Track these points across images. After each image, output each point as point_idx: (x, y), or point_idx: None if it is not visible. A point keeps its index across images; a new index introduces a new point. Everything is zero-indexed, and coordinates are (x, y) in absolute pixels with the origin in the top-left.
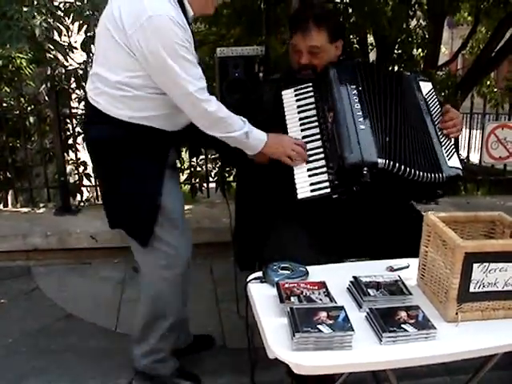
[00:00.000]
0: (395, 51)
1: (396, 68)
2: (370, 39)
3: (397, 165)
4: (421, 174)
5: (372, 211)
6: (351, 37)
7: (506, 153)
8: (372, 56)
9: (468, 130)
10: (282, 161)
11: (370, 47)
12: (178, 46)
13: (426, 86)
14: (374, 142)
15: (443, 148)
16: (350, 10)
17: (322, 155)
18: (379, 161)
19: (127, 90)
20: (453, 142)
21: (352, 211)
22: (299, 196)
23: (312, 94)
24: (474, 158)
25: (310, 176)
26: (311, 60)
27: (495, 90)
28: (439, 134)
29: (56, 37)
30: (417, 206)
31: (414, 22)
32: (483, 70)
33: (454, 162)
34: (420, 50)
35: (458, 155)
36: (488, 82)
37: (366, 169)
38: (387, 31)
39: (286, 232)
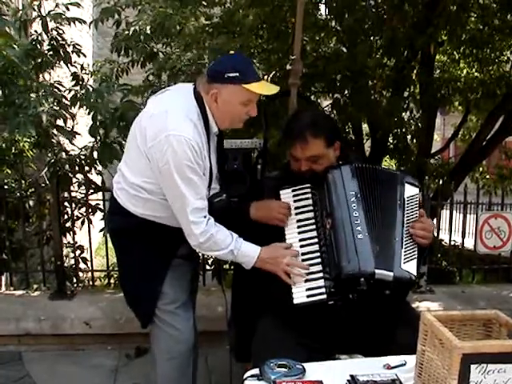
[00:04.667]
0: (390, 142)
1: (391, 158)
2: (365, 126)
3: (385, 271)
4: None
5: (363, 308)
6: (347, 127)
7: (500, 242)
8: (367, 145)
9: (462, 216)
10: (278, 276)
11: (366, 137)
12: (187, 168)
13: (411, 190)
14: (372, 252)
15: (403, 250)
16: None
17: (319, 260)
18: (377, 271)
19: (141, 191)
20: (416, 250)
21: (343, 310)
22: (295, 301)
23: (310, 195)
24: (469, 244)
25: (306, 281)
26: (311, 166)
27: (487, 176)
28: (405, 236)
29: (60, 123)
30: (411, 295)
31: (407, 114)
32: (475, 158)
33: (410, 267)
34: (414, 139)
35: (418, 264)
36: (480, 169)
37: (362, 279)
38: (382, 123)
39: (273, 330)
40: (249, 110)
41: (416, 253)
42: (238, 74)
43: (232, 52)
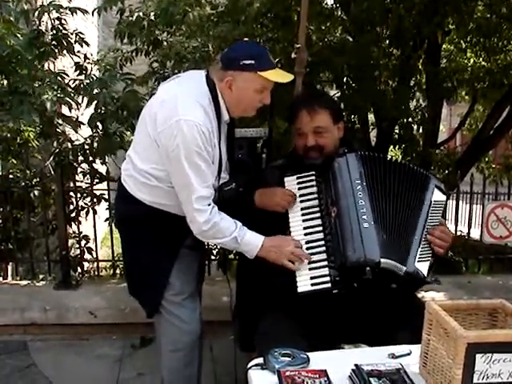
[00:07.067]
0: (396, 132)
1: (397, 148)
2: (371, 116)
3: (396, 263)
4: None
5: (366, 299)
6: (353, 116)
7: (507, 232)
8: (373, 134)
9: (468, 206)
10: (282, 264)
11: (372, 126)
12: (196, 154)
13: (438, 195)
14: (378, 241)
15: (419, 249)
16: (352, 92)
17: (324, 248)
18: (382, 261)
19: (150, 179)
20: (431, 255)
21: (345, 299)
22: (299, 289)
23: (315, 183)
24: (475, 234)
25: (310, 269)
26: (317, 140)
27: (493, 166)
28: (424, 237)
29: (65, 111)
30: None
31: (413, 103)
32: (482, 148)
33: (422, 266)
34: (420, 129)
35: (430, 267)
36: (486, 159)
37: (368, 268)
38: (388, 113)
39: (276, 322)
40: (263, 98)
41: (431, 256)
42: (253, 62)
43: (246, 39)
